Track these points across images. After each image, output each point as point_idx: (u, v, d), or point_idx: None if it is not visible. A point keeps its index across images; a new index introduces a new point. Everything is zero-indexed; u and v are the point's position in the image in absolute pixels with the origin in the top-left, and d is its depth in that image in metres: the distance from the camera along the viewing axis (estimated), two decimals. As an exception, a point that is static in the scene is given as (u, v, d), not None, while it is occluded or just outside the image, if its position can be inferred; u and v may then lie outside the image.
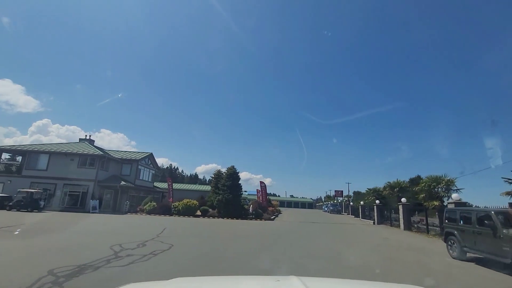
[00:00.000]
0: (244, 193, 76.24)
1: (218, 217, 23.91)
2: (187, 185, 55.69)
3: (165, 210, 24.65)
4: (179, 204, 24.66)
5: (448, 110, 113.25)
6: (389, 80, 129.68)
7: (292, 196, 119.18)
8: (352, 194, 65.78)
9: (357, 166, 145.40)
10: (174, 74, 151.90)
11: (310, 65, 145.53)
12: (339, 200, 66.11)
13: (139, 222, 17.81)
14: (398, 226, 22.46)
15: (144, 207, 24.93)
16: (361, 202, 34.00)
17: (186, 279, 1.89)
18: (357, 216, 35.22)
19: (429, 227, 18.56)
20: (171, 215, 24.14)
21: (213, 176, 27.32)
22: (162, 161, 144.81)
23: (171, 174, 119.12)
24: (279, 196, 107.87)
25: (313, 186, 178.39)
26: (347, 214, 45.27)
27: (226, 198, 24.51)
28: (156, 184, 42.24)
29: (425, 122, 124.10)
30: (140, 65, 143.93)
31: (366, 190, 34.38)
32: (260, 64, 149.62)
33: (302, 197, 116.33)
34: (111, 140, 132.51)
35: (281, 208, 51.15)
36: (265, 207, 28.56)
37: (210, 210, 25.09)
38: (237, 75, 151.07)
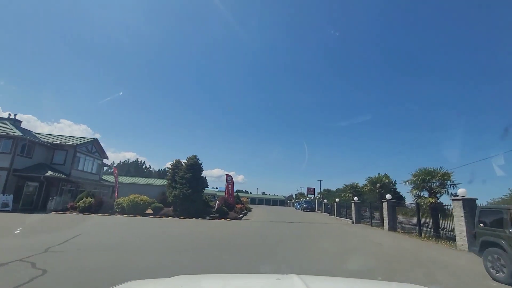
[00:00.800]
0: (215, 189, 71.37)
1: (173, 216, 19.57)
2: (147, 179, 49.43)
3: (105, 207, 19.69)
4: (124, 201, 19.82)
5: (434, 108, 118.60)
6: (367, 80, 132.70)
7: (263, 193, 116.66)
8: (323, 191, 64.58)
9: (328, 164, 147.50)
10: (147, 67, 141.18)
11: (296, 65, 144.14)
12: (312, 198, 64.50)
13: (50, 224, 12.88)
14: (379, 225, 20.14)
15: (78, 203, 19.68)
16: (337, 200, 31.61)
17: (187, 276, 1.88)
18: (331, 214, 32.90)
19: (412, 227, 16.66)
20: (112, 214, 19.31)
21: (169, 167, 22.58)
22: (129, 156, 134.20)
23: (137, 169, 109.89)
24: (250, 193, 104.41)
25: (284, 183, 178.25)
26: (321, 212, 43.13)
27: (184, 193, 20.17)
28: (107, 178, 36.26)
29: (396, 121, 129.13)
30: (108, 54, 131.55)
31: (343, 186, 32.08)
32: (243, 61, 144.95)
33: (274, 195, 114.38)
34: (71, 132, 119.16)
35: (252, 206, 47.65)
36: (232, 204, 24.66)
37: (165, 208, 20.59)
38: (212, 72, 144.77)
